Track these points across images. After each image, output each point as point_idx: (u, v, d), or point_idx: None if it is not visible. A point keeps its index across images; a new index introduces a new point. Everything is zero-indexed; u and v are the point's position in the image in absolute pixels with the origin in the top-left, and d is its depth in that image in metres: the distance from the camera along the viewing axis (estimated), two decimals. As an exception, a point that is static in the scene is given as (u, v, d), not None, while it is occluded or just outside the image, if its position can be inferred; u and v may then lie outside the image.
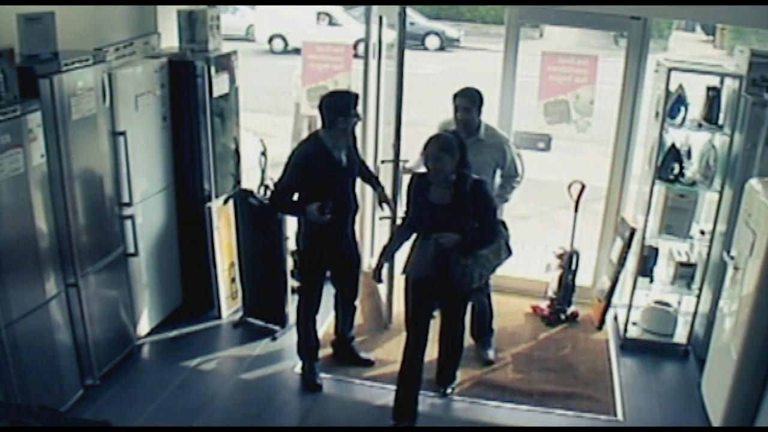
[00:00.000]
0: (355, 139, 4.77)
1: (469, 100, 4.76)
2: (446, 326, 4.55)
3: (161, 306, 5.36)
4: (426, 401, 4.69)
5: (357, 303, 5.01)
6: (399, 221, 4.54)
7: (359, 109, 4.52)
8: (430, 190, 4.11)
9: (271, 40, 19.00)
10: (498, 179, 4.95)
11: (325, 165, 4.38)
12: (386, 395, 4.71)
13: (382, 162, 5.58)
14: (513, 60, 5.61)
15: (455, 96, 4.78)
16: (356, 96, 4.54)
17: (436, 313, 4.66)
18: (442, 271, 4.10)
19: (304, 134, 9.46)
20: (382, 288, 5.64)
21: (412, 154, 5.30)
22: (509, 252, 4.34)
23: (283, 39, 18.69)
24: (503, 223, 4.40)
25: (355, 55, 5.98)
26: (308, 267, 4.71)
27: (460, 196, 4.04)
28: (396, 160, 5.09)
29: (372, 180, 4.97)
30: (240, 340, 5.33)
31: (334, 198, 4.38)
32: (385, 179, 5.32)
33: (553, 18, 5.71)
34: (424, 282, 4.26)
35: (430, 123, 5.39)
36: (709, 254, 5.14)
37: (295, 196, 4.47)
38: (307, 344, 4.82)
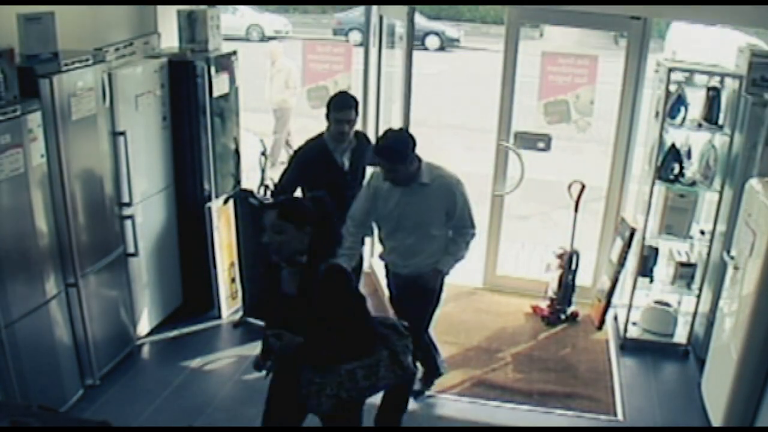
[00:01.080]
0: (368, 139, 4.73)
1: (388, 161, 3.89)
2: None
3: (161, 306, 5.36)
4: (426, 401, 4.70)
5: None
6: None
7: (350, 113, 4.35)
8: (282, 275, 3.14)
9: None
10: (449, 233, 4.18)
11: (326, 167, 4.38)
12: (386, 395, 4.72)
13: None
14: (513, 60, 5.61)
15: (374, 153, 4.01)
16: (344, 99, 4.41)
17: None
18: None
19: (290, 138, 9.57)
20: (385, 288, 5.64)
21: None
22: (403, 370, 3.20)
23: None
24: (393, 326, 3.30)
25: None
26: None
27: (309, 286, 3.02)
28: None
29: None
30: (240, 340, 5.33)
31: (335, 199, 4.39)
32: None
33: (553, 18, 5.72)
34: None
35: (430, 123, 5.38)
36: (709, 254, 5.14)
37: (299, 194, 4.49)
38: None
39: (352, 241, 4.09)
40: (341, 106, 4.37)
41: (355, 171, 4.53)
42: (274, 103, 9.43)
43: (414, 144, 3.92)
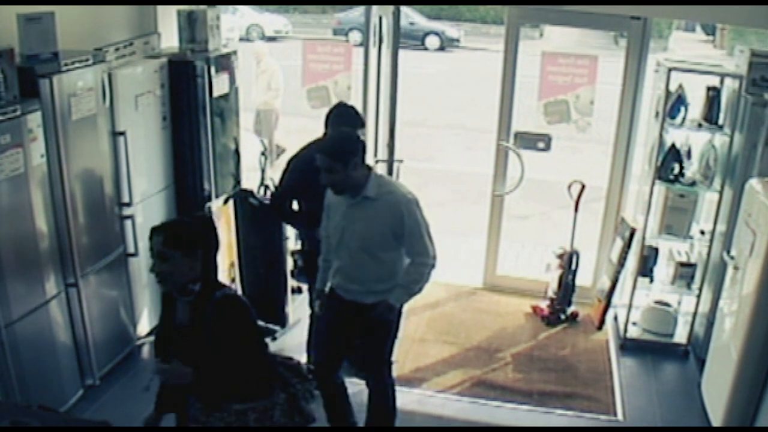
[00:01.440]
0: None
1: (328, 157, 3.51)
2: None
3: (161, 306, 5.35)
4: (427, 401, 4.70)
5: None
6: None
7: (360, 133, 4.15)
8: (177, 304, 2.88)
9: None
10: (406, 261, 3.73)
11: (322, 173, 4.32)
12: (386, 395, 4.72)
13: (377, 162, 5.55)
14: (513, 60, 5.61)
15: (316, 150, 3.67)
16: (355, 118, 4.24)
17: None
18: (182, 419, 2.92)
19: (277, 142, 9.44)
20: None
21: (411, 154, 5.30)
22: (303, 417, 2.96)
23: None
24: (296, 368, 3.03)
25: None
26: (315, 266, 4.66)
27: (201, 316, 2.75)
28: (390, 159, 5.08)
29: None
30: (240, 340, 5.32)
31: None
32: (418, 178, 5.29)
33: (553, 18, 5.72)
34: None
35: (430, 123, 5.37)
36: (709, 254, 5.14)
37: (295, 204, 4.46)
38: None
39: (326, 251, 3.89)
40: (353, 125, 4.18)
41: None
42: (257, 104, 9.21)
43: (362, 150, 3.58)
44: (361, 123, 4.31)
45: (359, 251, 3.65)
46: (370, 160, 5.35)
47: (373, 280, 3.70)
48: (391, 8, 4.87)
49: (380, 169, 5.47)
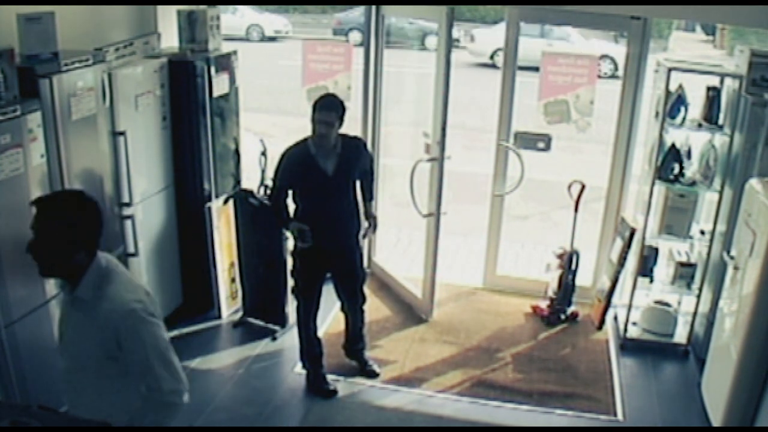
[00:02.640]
0: (364, 145, 4.66)
1: (36, 206, 2.57)
2: None
3: (161, 306, 5.29)
4: (427, 401, 4.70)
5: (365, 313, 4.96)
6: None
7: (329, 115, 4.19)
8: None
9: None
10: None
11: (308, 171, 4.31)
12: (386, 395, 4.72)
13: (429, 160, 5.42)
14: (513, 60, 5.61)
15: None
16: (327, 100, 4.26)
17: None
18: None
19: None
20: (404, 280, 5.59)
21: (412, 154, 5.30)
22: None
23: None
24: None
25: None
26: (302, 268, 4.68)
27: None
28: (441, 156, 5.08)
29: (365, 193, 4.67)
30: (240, 340, 5.33)
31: (323, 205, 4.36)
32: (422, 176, 5.33)
33: (553, 18, 5.72)
34: None
35: (429, 124, 5.36)
36: (709, 254, 5.14)
37: (291, 201, 4.47)
38: (310, 351, 4.78)
39: None
40: (321, 107, 4.23)
41: (340, 177, 4.39)
42: None
43: (83, 226, 2.62)
44: (339, 110, 4.27)
45: (72, 362, 2.79)
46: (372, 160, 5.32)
47: (91, 405, 2.71)
48: (443, 10, 4.83)
49: (428, 166, 5.38)
